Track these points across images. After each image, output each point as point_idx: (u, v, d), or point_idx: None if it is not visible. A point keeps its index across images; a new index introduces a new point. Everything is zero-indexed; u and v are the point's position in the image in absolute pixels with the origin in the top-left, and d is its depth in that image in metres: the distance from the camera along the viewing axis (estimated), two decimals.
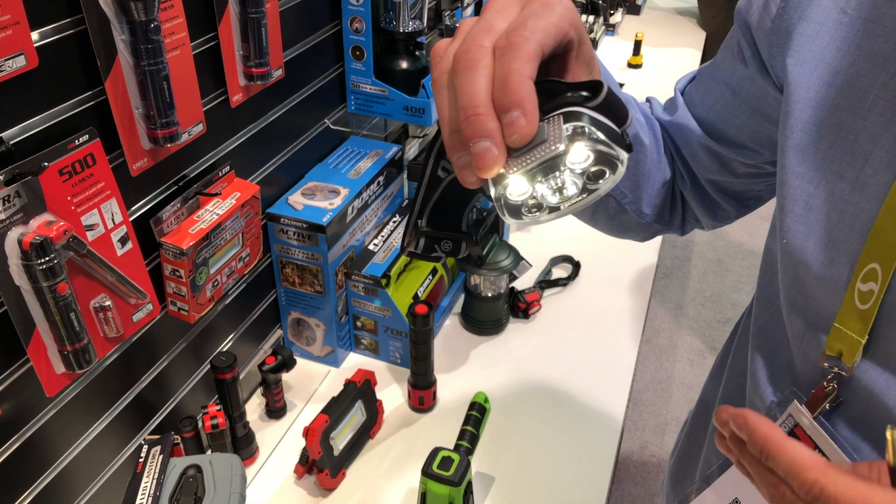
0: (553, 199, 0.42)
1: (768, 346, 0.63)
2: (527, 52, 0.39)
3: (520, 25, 0.40)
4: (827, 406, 0.54)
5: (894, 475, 0.42)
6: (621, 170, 0.41)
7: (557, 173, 0.41)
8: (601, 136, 0.40)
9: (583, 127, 0.40)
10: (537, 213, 0.43)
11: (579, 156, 0.40)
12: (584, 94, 0.41)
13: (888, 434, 0.42)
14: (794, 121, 0.56)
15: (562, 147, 0.39)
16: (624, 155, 0.41)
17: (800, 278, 0.56)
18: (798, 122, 0.56)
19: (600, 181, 0.42)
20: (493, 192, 0.42)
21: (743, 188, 0.74)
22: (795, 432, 0.55)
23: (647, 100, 0.79)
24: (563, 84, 0.42)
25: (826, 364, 0.53)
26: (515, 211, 0.42)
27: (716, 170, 0.72)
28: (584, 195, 0.42)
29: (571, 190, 0.42)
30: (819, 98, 0.54)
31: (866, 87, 0.51)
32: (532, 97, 0.39)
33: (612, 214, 0.76)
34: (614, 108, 0.41)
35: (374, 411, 1.03)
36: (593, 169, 0.41)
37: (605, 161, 0.40)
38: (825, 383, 0.54)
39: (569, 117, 0.40)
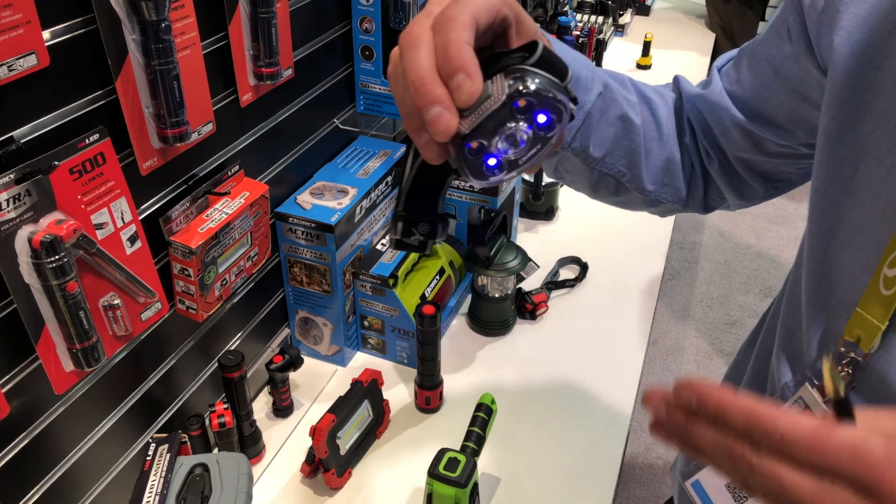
0: (511, 154, 0.45)
1: (789, 329, 0.64)
2: (462, 22, 0.43)
3: (453, 3, 0.44)
4: None
5: (838, 406, 0.40)
6: (567, 115, 0.44)
7: (509, 125, 0.44)
8: (540, 82, 0.43)
9: (522, 77, 0.43)
10: (499, 172, 0.46)
11: (524, 104, 0.44)
12: (522, 54, 0.45)
13: (825, 362, 0.41)
14: (838, 102, 0.56)
15: (505, 97, 0.43)
16: (566, 100, 0.44)
17: (827, 261, 0.56)
18: (843, 105, 0.55)
19: (552, 131, 0.45)
20: (454, 158, 0.45)
21: (773, 168, 0.74)
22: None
23: (676, 77, 0.79)
24: (503, 52, 0.46)
25: (843, 349, 0.53)
26: (477, 171, 0.45)
27: (747, 148, 0.72)
28: (539, 145, 0.45)
29: (525, 141, 0.45)
30: (866, 81, 0.54)
31: None
32: (472, 59, 0.42)
33: (612, 191, 0.76)
34: (553, 64, 0.45)
35: (381, 411, 1.03)
36: (542, 117, 0.44)
37: (549, 107, 0.44)
38: (840, 368, 0.54)
39: (509, 73, 0.44)
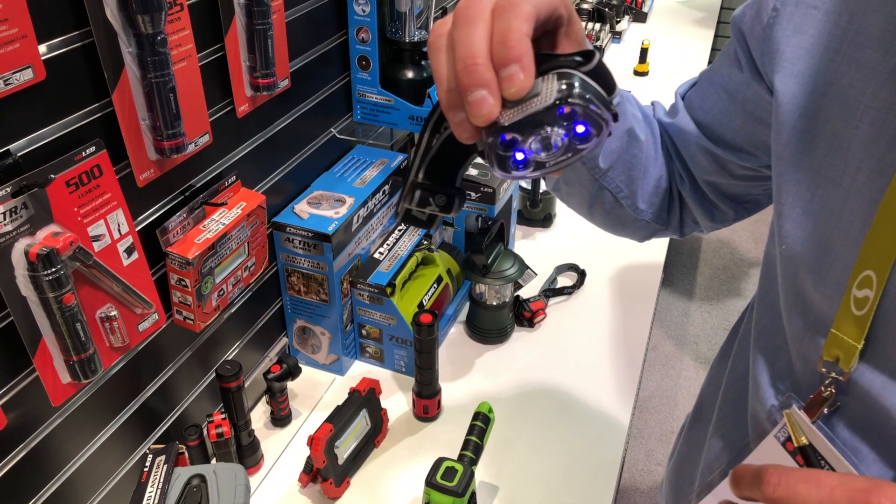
0: (541, 155, 0.45)
1: (768, 350, 0.64)
2: (525, 12, 0.41)
3: None
4: (825, 410, 0.54)
5: (805, 454, 0.43)
6: (605, 132, 0.44)
7: (547, 128, 0.44)
8: (590, 95, 0.43)
9: (574, 84, 0.43)
10: (524, 169, 0.46)
11: (569, 111, 0.43)
12: (578, 59, 0.45)
13: (786, 418, 0.44)
14: (789, 130, 0.57)
15: (553, 100, 0.42)
16: (609, 118, 0.44)
17: (798, 283, 0.57)
18: (794, 132, 0.57)
19: (586, 143, 0.44)
20: (484, 143, 0.45)
21: (740, 191, 0.75)
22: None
23: (652, 103, 0.81)
24: (556, 54, 0.46)
25: (824, 369, 0.53)
26: (504, 164, 0.45)
27: (713, 171, 0.73)
28: (570, 154, 0.45)
29: (558, 146, 0.45)
30: (813, 108, 0.55)
31: (857, 97, 0.52)
32: (530, 53, 0.41)
33: (608, 209, 0.77)
34: (604, 76, 0.45)
35: (379, 420, 1.03)
36: (580, 128, 0.44)
37: (591, 121, 0.44)
38: (823, 388, 0.54)
39: (562, 77, 0.43)
